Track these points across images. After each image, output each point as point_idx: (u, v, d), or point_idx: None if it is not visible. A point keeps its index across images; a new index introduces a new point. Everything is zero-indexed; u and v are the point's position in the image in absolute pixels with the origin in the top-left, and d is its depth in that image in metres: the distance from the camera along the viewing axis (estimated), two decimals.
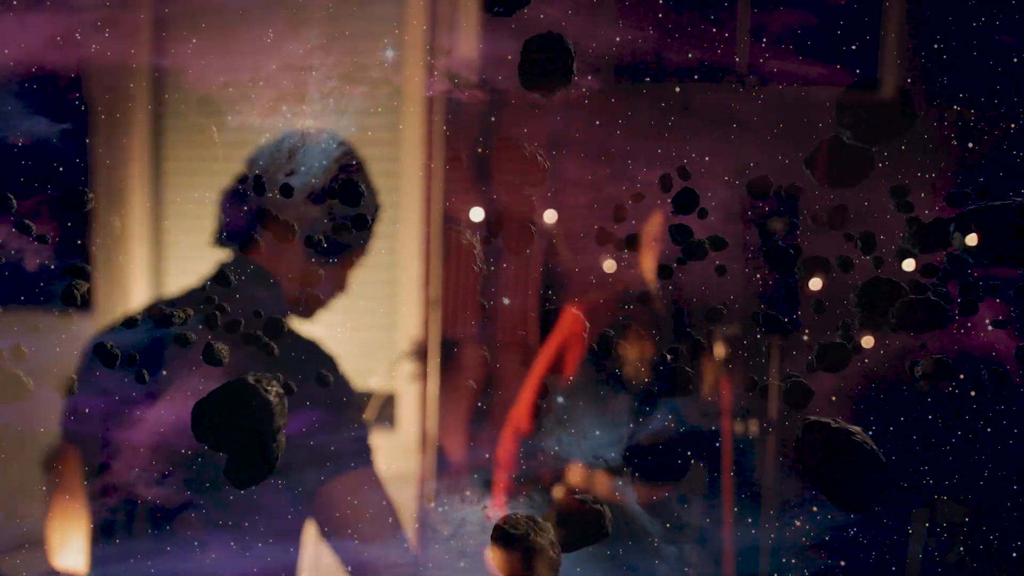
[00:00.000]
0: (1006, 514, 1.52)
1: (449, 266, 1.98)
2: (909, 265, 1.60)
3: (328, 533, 1.92)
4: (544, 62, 1.52)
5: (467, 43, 1.90)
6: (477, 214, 1.88)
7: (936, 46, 1.64)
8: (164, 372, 1.80)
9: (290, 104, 1.83)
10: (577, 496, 1.61)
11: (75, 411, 1.87)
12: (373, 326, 2.09)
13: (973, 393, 1.63)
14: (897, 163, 1.63)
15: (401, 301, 2.05)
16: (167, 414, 1.84)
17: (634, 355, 1.84)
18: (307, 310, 1.94)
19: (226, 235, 1.91)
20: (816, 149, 1.63)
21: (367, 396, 2.00)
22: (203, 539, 1.88)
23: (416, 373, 2.02)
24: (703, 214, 1.65)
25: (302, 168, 1.78)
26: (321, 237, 1.72)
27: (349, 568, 1.91)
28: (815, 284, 1.67)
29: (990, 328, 1.60)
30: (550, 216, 1.87)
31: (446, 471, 2.01)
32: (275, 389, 1.44)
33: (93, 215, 1.87)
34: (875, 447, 1.40)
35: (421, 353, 2.01)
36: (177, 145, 2.12)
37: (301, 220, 1.81)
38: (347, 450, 1.90)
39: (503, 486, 1.95)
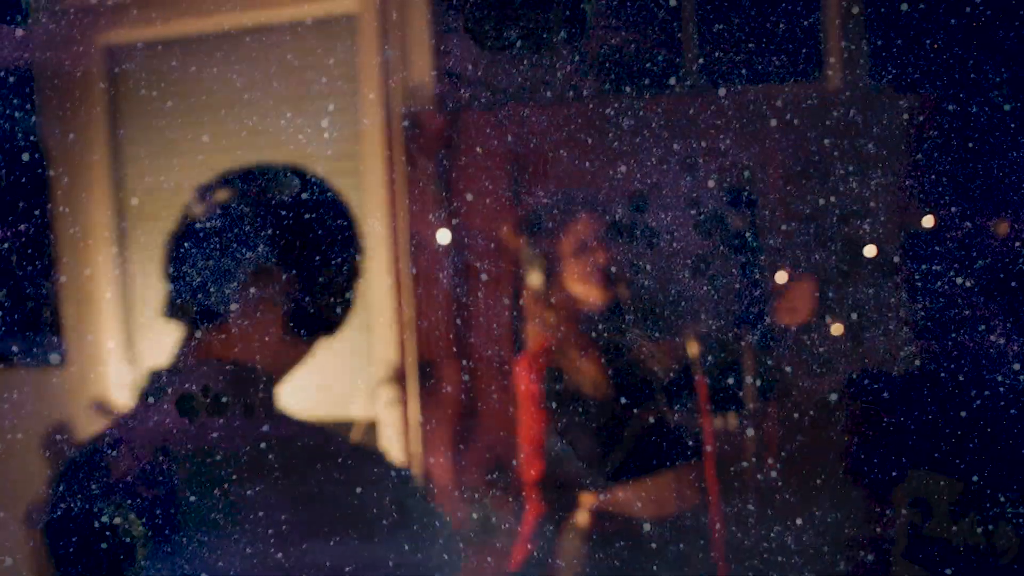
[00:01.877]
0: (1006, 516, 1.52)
1: (421, 286, 1.91)
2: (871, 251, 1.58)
3: (328, 533, 1.92)
4: None
5: (468, 47, 1.89)
6: (444, 236, 1.80)
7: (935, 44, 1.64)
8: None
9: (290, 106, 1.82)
10: None
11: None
12: (348, 352, 2.00)
13: (974, 392, 1.63)
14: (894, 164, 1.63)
15: (375, 325, 1.97)
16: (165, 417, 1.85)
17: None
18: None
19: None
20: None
21: (349, 425, 1.94)
22: (203, 539, 1.88)
23: (396, 397, 1.97)
24: (751, 204, 1.61)
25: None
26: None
27: (349, 568, 1.92)
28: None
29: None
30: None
31: (433, 492, 1.98)
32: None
33: (55, 218, 1.78)
34: None
35: (399, 377, 1.95)
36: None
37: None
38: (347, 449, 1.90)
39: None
